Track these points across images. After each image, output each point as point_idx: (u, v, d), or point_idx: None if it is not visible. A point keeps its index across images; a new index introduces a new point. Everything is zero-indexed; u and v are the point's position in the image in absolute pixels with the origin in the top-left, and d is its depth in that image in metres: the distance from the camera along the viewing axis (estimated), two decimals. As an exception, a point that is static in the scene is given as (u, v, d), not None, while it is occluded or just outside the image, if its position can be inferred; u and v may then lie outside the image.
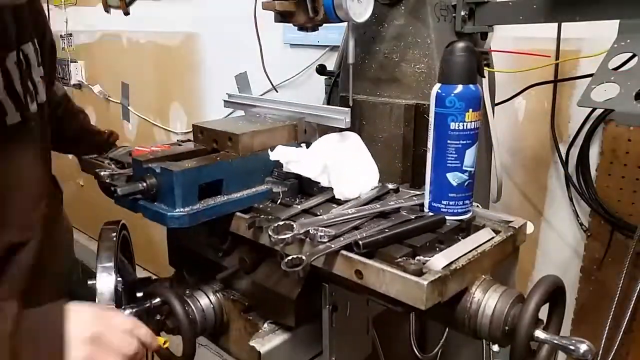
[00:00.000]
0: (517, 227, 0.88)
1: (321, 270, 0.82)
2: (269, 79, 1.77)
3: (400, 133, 1.12)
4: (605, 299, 1.60)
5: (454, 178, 0.87)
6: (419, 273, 0.72)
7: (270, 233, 0.82)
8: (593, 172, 1.65)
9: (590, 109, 1.58)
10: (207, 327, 1.00)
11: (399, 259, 0.76)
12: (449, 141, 0.86)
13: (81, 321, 0.78)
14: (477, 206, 0.97)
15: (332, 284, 0.88)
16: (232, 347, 1.02)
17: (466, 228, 0.89)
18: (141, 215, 0.89)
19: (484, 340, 1.50)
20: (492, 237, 0.85)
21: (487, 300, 0.78)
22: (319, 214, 0.90)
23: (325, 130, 1.07)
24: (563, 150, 1.70)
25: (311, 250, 0.79)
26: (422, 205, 0.93)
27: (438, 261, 0.75)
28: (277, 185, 0.97)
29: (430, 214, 0.90)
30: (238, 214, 0.92)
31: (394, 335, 1.18)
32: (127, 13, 1.28)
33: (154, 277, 1.10)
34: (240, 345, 0.98)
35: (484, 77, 0.88)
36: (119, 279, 0.96)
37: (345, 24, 1.04)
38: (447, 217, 0.88)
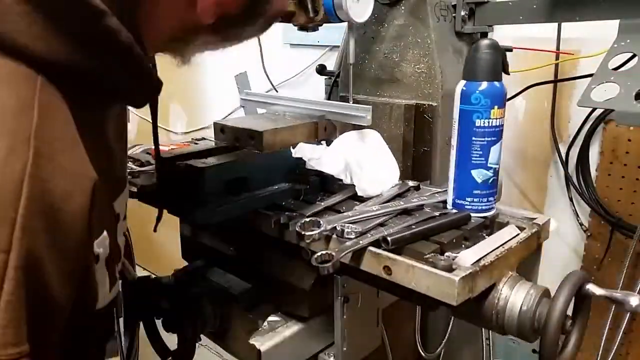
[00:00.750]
0: (541, 223, 0.89)
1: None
2: (269, 79, 1.76)
3: (400, 133, 1.12)
4: (606, 299, 1.62)
5: (478, 175, 0.87)
6: (449, 269, 0.72)
7: (297, 229, 0.82)
8: (593, 172, 1.66)
9: (590, 109, 1.60)
10: (207, 325, 0.99)
11: (428, 255, 0.76)
12: (474, 138, 0.86)
13: None
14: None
15: (344, 276, 0.88)
16: (232, 346, 1.01)
17: (490, 225, 0.89)
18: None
19: (484, 340, 1.51)
20: (517, 234, 0.85)
21: (515, 296, 0.79)
22: (342, 210, 0.90)
23: (344, 128, 1.07)
24: (563, 150, 1.71)
25: (339, 246, 0.79)
26: (444, 202, 0.93)
27: (467, 257, 0.75)
28: (299, 182, 0.97)
29: (454, 211, 0.90)
30: (261, 210, 0.91)
31: (397, 333, 1.18)
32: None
33: (153, 276, 1.09)
34: (241, 343, 0.98)
35: (509, 74, 0.89)
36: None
37: (346, 24, 1.04)
38: (471, 214, 0.88)
